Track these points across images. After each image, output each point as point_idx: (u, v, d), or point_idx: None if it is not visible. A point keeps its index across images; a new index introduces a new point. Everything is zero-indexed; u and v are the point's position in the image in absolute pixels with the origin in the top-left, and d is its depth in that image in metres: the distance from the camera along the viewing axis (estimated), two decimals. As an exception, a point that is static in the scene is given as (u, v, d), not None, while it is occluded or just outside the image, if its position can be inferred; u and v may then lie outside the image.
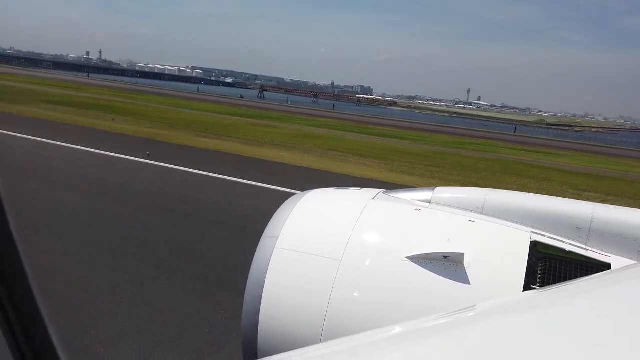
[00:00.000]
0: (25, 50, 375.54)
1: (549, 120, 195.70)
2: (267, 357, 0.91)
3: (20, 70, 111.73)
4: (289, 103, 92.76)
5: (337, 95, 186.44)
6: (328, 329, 2.01)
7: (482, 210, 2.43)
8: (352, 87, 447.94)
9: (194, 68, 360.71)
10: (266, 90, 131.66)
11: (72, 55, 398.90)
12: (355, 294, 2.06)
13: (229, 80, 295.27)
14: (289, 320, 2.10)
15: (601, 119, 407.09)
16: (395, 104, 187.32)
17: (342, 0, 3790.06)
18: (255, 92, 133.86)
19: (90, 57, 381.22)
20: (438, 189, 2.61)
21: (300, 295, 2.13)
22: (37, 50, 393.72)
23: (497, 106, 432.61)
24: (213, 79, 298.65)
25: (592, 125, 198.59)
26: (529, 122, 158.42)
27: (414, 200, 2.56)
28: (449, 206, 2.48)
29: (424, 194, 2.58)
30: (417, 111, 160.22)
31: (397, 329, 1.04)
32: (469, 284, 1.99)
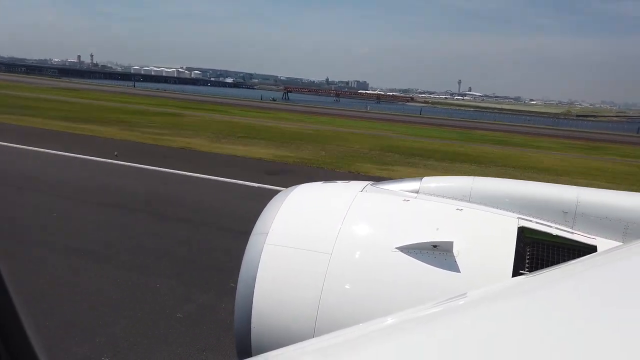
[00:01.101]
0: (6, 55, 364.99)
1: (551, 110, 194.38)
2: (262, 354, 0.95)
3: (33, 79, 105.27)
4: (369, 108, 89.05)
5: (357, 93, 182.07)
6: (321, 322, 2.01)
7: (469, 198, 2.44)
8: (348, 82, 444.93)
9: (188, 69, 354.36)
10: (290, 92, 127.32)
11: (55, 60, 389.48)
12: (347, 287, 2.06)
13: (229, 80, 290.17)
14: (281, 316, 2.08)
15: (587, 105, 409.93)
16: (412, 99, 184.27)
17: None
18: (270, 93, 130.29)
19: (71, 60, 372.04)
20: (425, 178, 2.61)
21: (292, 290, 2.10)
22: (19, 55, 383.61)
23: (489, 96, 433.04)
24: (212, 79, 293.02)
25: (609, 115, 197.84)
26: (557, 113, 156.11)
27: (402, 191, 2.55)
28: (437, 195, 2.49)
29: (412, 184, 2.57)
30: (439, 106, 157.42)
31: (390, 320, 1.06)
32: (458, 271, 2.00)
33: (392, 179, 2.81)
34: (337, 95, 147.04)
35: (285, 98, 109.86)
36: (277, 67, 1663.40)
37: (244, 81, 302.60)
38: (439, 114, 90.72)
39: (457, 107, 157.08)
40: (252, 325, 2.11)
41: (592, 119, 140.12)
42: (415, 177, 2.67)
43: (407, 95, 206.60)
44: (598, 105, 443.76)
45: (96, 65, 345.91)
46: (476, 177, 2.58)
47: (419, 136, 36.32)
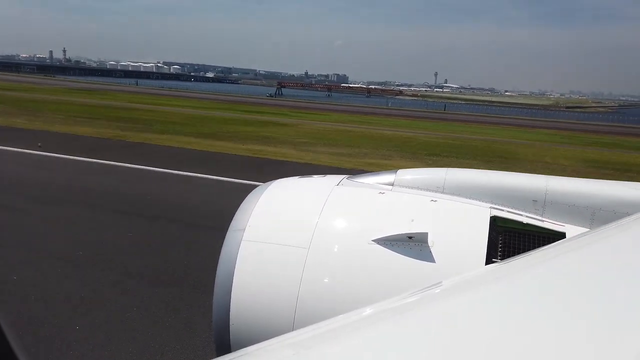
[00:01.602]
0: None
1: (526, 101, 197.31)
2: (241, 349, 0.96)
3: (17, 77, 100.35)
4: (390, 105, 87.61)
5: (348, 87, 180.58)
6: (300, 316, 2.04)
7: (443, 189, 2.50)
8: (328, 75, 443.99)
9: (166, 64, 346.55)
10: (284, 87, 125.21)
11: (23, 55, 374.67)
12: (325, 280, 2.09)
13: (210, 74, 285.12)
14: (260, 311, 2.10)
15: (558, 95, 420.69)
16: (401, 92, 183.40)
17: None
18: (259, 89, 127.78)
19: (40, 55, 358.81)
20: (400, 171, 2.65)
21: (271, 286, 2.11)
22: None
23: (466, 88, 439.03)
24: (193, 74, 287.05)
25: (593, 105, 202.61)
26: (547, 105, 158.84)
27: (377, 183, 2.59)
28: (412, 187, 2.53)
29: (387, 177, 2.61)
30: (430, 100, 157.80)
31: (368, 311, 1.07)
32: (434, 261, 2.05)
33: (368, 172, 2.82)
34: (329, 89, 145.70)
35: (279, 94, 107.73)
36: (256, 61, 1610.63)
37: (225, 76, 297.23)
38: (456, 110, 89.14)
39: (448, 100, 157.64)
40: (231, 321, 2.11)
41: (579, 110, 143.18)
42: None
43: (396, 89, 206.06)
44: (567, 96, 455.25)
45: (69, 60, 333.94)
46: (449, 169, 2.62)
47: (552, 142, 34.32)
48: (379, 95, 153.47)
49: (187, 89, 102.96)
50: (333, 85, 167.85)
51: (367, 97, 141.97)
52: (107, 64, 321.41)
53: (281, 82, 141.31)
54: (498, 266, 1.62)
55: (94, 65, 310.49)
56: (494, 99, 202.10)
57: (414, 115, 59.38)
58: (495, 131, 41.79)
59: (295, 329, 1.98)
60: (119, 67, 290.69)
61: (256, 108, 51.53)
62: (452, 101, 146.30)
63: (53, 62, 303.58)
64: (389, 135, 31.84)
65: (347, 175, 2.72)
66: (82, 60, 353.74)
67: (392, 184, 2.57)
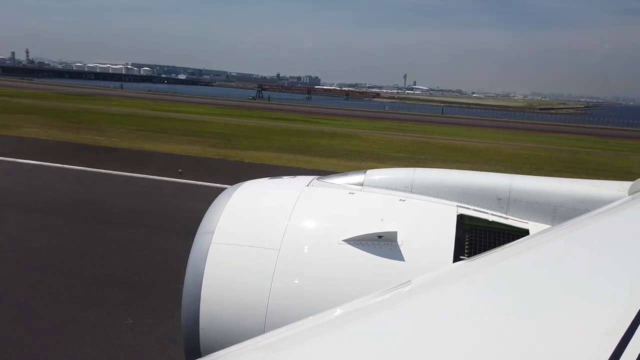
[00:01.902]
0: None
1: (488, 102, 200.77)
2: (211, 354, 0.96)
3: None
4: (387, 109, 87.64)
5: (325, 89, 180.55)
6: (271, 318, 2.02)
7: (411, 188, 2.54)
8: (300, 77, 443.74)
9: (134, 65, 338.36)
10: (265, 89, 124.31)
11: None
12: (296, 281, 2.07)
13: (182, 77, 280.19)
14: (231, 315, 2.08)
15: (520, 97, 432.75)
16: (378, 95, 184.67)
17: None
18: (236, 91, 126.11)
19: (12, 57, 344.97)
20: (369, 171, 2.67)
21: (241, 289, 2.09)
22: None
23: (435, 90, 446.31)
24: (164, 75, 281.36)
25: (563, 107, 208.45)
26: (522, 107, 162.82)
27: (347, 184, 2.59)
28: (381, 187, 2.55)
29: (356, 178, 2.62)
30: (409, 102, 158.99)
31: (339, 311, 1.07)
32: (403, 260, 2.07)
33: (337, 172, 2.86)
34: (309, 92, 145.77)
35: (259, 96, 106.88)
36: (227, 62, 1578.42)
37: (197, 78, 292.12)
38: (454, 113, 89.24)
39: (427, 103, 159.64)
40: (201, 326, 2.10)
41: (553, 111, 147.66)
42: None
43: (372, 92, 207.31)
44: (530, 97, 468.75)
45: (32, 62, 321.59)
46: (417, 169, 2.68)
47: (601, 150, 33.17)
48: (357, 98, 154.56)
49: (174, 92, 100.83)
50: (311, 88, 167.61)
51: (346, 99, 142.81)
52: (72, 65, 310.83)
53: (261, 85, 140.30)
54: (465, 263, 1.66)
55: (60, 67, 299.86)
56: (470, 100, 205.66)
57: (430, 120, 58.70)
58: (559, 140, 40.44)
59: (266, 331, 1.95)
60: (85, 69, 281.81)
61: (270, 114, 50.25)
62: (435, 104, 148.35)
63: (15, 64, 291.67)
64: (471, 148, 29.61)
65: (316, 176, 2.72)
66: (45, 62, 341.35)
67: (361, 184, 2.59)
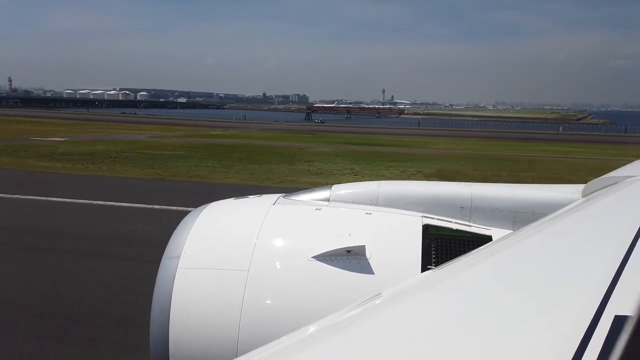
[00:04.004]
0: None
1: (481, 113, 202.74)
2: None
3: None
4: (420, 125, 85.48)
5: (362, 109, 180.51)
6: (243, 341, 2.00)
7: (376, 201, 2.58)
8: (289, 96, 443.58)
9: (132, 90, 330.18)
10: (314, 112, 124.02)
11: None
12: (268, 302, 2.08)
13: (182, 100, 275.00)
14: (201, 342, 2.06)
15: (490, 107, 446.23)
16: (403, 112, 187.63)
17: (231, 12, 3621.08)
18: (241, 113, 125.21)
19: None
20: (335, 186, 2.71)
21: (211, 314, 2.08)
22: None
23: (416, 103, 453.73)
24: (162, 100, 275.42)
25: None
26: (552, 119, 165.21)
27: (313, 200, 2.62)
28: (347, 202, 2.59)
29: (322, 193, 2.65)
30: (435, 117, 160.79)
31: (312, 329, 1.08)
32: (373, 273, 2.09)
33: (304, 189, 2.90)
34: (348, 112, 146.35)
35: (309, 118, 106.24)
36: (212, 84, 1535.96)
37: (204, 100, 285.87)
38: (513, 128, 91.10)
39: (452, 117, 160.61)
40: (171, 355, 2.06)
41: (584, 122, 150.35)
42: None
43: (398, 109, 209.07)
44: (498, 107, 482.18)
45: (15, 90, 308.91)
46: (382, 182, 2.74)
47: None
48: (385, 116, 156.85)
49: (209, 117, 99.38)
50: (350, 108, 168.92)
51: (378, 117, 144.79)
52: (64, 92, 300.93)
53: (310, 107, 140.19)
54: (433, 272, 1.70)
55: (49, 94, 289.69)
56: (492, 114, 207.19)
57: (498, 136, 58.46)
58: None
59: (239, 355, 1.95)
60: (77, 96, 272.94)
61: (351, 138, 48.11)
62: (457, 118, 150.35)
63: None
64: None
65: (282, 194, 2.72)
66: (29, 90, 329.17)
67: (327, 200, 2.60)
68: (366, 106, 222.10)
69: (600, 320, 0.85)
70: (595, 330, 0.82)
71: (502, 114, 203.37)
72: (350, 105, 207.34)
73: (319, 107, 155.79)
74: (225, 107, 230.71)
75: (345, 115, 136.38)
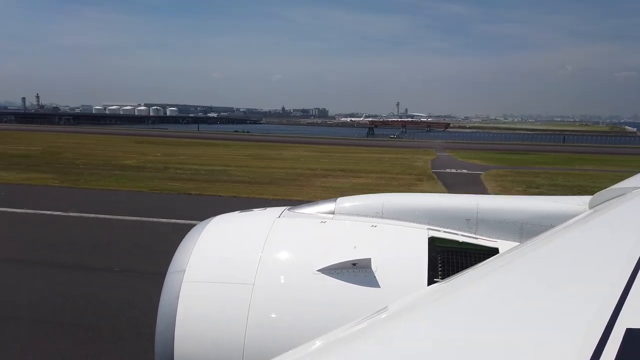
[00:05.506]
0: None
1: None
2: None
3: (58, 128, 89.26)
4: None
5: (415, 123, 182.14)
6: (248, 355, 1.99)
7: (381, 214, 2.58)
8: (308, 110, 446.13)
9: (160, 106, 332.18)
10: (376, 127, 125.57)
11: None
12: (273, 316, 2.07)
13: (212, 115, 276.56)
14: (207, 355, 2.06)
15: (502, 118, 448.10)
16: (449, 126, 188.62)
17: (235, 27, 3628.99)
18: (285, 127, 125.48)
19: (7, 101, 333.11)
20: (340, 199, 2.73)
21: (216, 328, 2.08)
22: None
23: (432, 116, 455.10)
24: (192, 115, 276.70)
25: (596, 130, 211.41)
26: (603, 131, 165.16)
27: (318, 213, 2.64)
28: (352, 215, 2.61)
29: (327, 206, 2.68)
30: (481, 131, 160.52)
31: (318, 343, 1.07)
32: (379, 286, 2.09)
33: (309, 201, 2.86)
34: (404, 126, 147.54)
35: (372, 134, 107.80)
36: (231, 99, 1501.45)
37: (245, 115, 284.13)
38: (573, 141, 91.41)
39: (506, 131, 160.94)
40: None
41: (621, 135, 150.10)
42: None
43: (444, 122, 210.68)
44: (509, 119, 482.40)
45: (42, 107, 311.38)
46: (386, 194, 2.74)
47: None
48: (433, 129, 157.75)
49: (263, 132, 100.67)
50: (405, 122, 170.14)
51: (427, 131, 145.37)
52: (92, 108, 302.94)
53: (374, 122, 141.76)
54: (440, 286, 1.70)
55: (78, 110, 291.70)
56: (543, 127, 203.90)
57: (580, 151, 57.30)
58: None
59: None
60: (107, 112, 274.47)
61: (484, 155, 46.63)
62: (503, 131, 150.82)
63: (27, 110, 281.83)
64: None
65: (287, 207, 2.72)
66: (57, 106, 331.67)
67: (332, 213, 2.61)
68: (411, 120, 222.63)
69: (612, 334, 0.84)
70: (607, 344, 0.81)
71: (538, 127, 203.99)
72: (401, 119, 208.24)
73: (379, 122, 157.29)
74: (261, 121, 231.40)
75: (401, 129, 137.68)
